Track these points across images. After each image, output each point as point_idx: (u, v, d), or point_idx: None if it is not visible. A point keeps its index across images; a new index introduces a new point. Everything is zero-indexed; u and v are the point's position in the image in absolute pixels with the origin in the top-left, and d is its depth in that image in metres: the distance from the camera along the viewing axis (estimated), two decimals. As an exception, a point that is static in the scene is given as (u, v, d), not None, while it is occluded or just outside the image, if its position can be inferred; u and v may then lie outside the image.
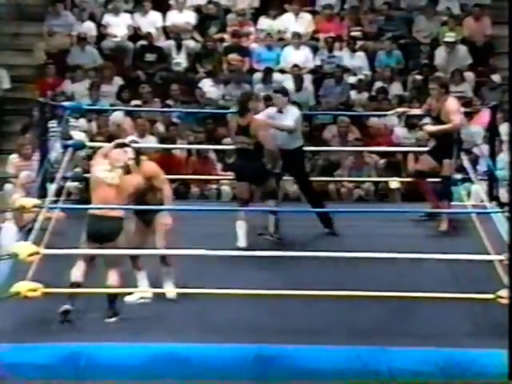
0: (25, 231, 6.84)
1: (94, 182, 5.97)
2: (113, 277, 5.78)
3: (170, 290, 5.97)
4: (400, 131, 10.02)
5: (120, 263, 5.87)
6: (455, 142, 7.10)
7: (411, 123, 9.90)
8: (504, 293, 5.53)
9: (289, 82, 10.76)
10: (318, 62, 11.16)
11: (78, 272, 5.77)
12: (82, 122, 9.76)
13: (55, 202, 7.11)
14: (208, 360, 5.31)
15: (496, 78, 10.81)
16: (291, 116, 6.96)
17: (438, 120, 7.13)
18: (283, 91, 7.17)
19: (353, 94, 10.71)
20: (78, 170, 8.56)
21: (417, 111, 7.62)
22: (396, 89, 10.78)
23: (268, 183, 6.80)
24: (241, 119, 6.77)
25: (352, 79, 10.87)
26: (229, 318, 5.73)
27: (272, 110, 7.09)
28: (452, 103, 7.03)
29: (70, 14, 11.46)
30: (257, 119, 6.82)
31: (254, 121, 6.75)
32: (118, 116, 9.95)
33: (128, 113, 9.96)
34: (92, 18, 11.51)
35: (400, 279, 6.10)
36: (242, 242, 6.58)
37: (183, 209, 6.97)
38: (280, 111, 6.98)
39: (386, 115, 9.99)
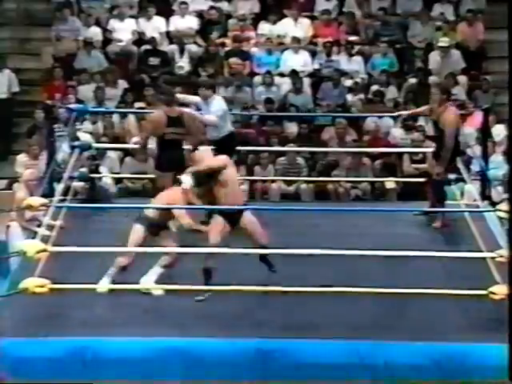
0: (31, 229, 6.84)
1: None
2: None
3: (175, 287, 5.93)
4: (397, 132, 10.01)
5: None
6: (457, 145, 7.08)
7: (408, 125, 9.90)
8: (496, 289, 5.53)
9: (287, 86, 10.78)
10: (317, 66, 11.18)
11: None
12: (87, 123, 9.76)
13: (62, 201, 7.10)
14: (211, 354, 5.30)
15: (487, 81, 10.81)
16: (216, 106, 6.97)
17: (436, 125, 7.12)
18: (206, 84, 7.15)
19: (349, 96, 10.72)
20: (84, 170, 8.58)
21: (421, 109, 7.53)
22: (392, 92, 10.78)
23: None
24: (169, 109, 6.72)
25: (349, 82, 10.88)
26: (230, 313, 5.72)
27: (198, 98, 7.09)
28: (450, 115, 6.95)
29: (77, 19, 11.47)
30: (187, 112, 6.84)
31: (186, 112, 6.78)
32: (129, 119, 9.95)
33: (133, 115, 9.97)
34: (98, 23, 11.51)
35: (396, 276, 6.09)
36: None
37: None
38: (205, 99, 7.00)
39: (381, 117, 10.05)
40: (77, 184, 7.72)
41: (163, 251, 6.01)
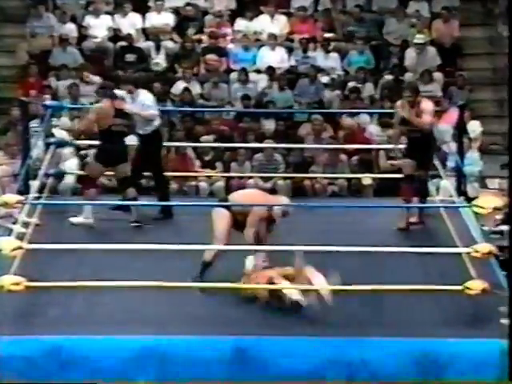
0: (6, 226, 6.77)
1: None
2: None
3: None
4: (373, 129, 10.03)
5: None
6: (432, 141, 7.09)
7: (384, 122, 9.92)
8: (471, 284, 5.56)
9: (264, 82, 10.76)
10: (293, 63, 11.16)
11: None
12: (65, 120, 9.68)
13: (38, 198, 7.04)
14: (188, 352, 5.28)
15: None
16: (146, 100, 7.15)
17: (407, 124, 7.06)
18: (129, 79, 7.41)
19: (326, 93, 10.72)
20: (60, 167, 8.53)
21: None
22: (368, 89, 10.80)
23: (124, 167, 6.94)
24: (112, 103, 6.92)
25: (325, 79, 10.88)
26: (207, 311, 5.70)
27: (122, 92, 7.21)
28: (426, 104, 6.99)
29: (52, 15, 11.37)
30: (128, 105, 7.03)
31: (127, 106, 6.98)
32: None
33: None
34: (73, 19, 11.42)
35: (371, 272, 6.10)
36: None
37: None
38: (130, 93, 7.14)
39: (358, 113, 10.05)
40: (53, 181, 7.66)
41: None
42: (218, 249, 5.89)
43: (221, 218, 5.95)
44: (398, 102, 7.11)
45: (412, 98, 6.93)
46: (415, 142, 7.01)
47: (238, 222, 5.99)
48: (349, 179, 9.36)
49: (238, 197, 6.16)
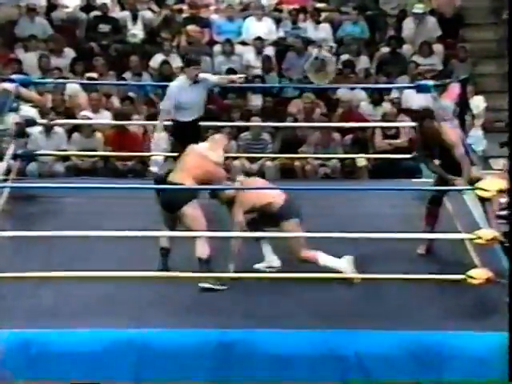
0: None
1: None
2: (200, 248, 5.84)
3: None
4: (366, 107, 10.02)
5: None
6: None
7: (376, 98, 9.90)
8: (474, 273, 5.56)
9: (251, 55, 10.72)
10: (282, 34, 11.12)
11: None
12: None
13: (4, 181, 7.00)
14: (167, 346, 5.27)
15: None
16: None
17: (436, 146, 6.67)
18: None
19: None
20: (28, 147, 8.48)
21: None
22: (363, 62, 10.78)
23: None
24: None
25: (315, 51, 10.83)
26: (189, 302, 5.70)
27: None
28: (449, 133, 6.50)
29: (18, -17, 11.29)
30: None
31: None
32: (72, 89, 9.85)
33: (82, 86, 9.86)
34: (42, -13, 11.35)
35: (367, 260, 6.11)
36: None
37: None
38: None
39: (352, 89, 10.03)
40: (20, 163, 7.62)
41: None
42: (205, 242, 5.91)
43: (194, 208, 5.96)
44: None
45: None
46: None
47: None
48: (342, 160, 9.34)
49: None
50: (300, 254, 6.01)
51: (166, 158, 8.27)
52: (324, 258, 6.02)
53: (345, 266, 5.98)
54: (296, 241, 6.01)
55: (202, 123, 7.21)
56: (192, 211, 5.93)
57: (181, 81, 7.00)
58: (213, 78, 7.19)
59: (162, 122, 7.05)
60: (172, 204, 5.98)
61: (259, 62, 10.69)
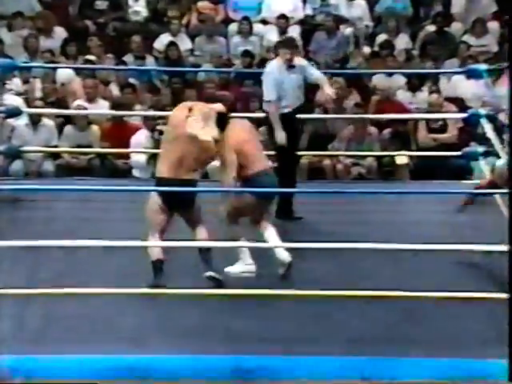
0: None
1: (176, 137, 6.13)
2: (201, 233, 6.13)
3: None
4: (403, 94, 10.01)
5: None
6: None
7: (414, 83, 9.88)
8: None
9: (272, 35, 10.74)
10: (309, 11, 11.15)
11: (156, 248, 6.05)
12: (17, 82, 9.70)
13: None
14: (175, 374, 5.28)
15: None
16: None
17: None
18: None
19: (350, 49, 10.70)
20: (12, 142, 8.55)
21: None
22: (403, 42, 10.77)
23: None
24: None
25: (349, 31, 10.87)
26: (200, 323, 5.72)
27: None
28: None
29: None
30: None
31: None
32: (65, 74, 9.91)
33: (76, 72, 9.93)
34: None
35: (407, 274, 6.12)
36: None
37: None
38: None
39: (391, 74, 10.03)
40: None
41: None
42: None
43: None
44: None
45: None
46: None
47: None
48: (379, 158, 9.34)
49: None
50: (232, 221, 6.22)
51: (149, 158, 8.38)
52: (271, 237, 6.20)
53: (249, 268, 6.20)
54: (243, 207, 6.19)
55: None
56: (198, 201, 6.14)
57: (275, 65, 7.24)
58: (313, 71, 7.40)
59: (277, 117, 7.17)
60: (186, 201, 6.11)
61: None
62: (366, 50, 10.62)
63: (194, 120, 6.16)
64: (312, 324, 5.71)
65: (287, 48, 7.26)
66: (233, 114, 6.54)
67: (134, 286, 5.89)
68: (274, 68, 7.29)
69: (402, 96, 9.99)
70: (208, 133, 6.16)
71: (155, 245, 6.08)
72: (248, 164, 6.25)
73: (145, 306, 5.82)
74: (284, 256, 6.20)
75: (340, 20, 10.92)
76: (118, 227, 6.61)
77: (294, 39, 7.77)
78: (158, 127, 8.76)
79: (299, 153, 9.17)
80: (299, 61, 7.41)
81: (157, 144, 8.19)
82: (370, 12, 11.22)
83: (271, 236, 6.26)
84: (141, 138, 9.02)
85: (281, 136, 7.21)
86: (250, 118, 9.37)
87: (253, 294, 5.82)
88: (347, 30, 10.88)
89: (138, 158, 8.93)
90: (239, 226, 6.31)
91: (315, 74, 7.43)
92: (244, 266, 6.27)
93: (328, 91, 7.44)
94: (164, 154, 6.23)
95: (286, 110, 7.25)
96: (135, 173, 8.99)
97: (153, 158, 8.43)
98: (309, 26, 11.03)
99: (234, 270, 6.27)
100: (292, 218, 7.23)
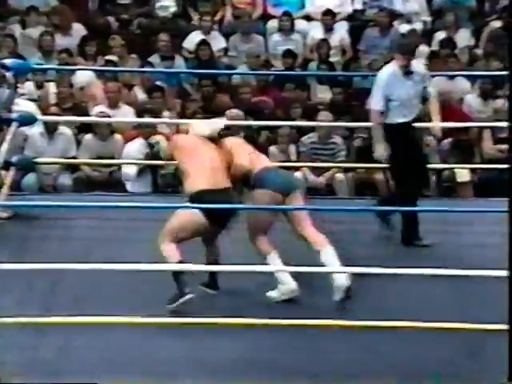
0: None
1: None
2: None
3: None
4: (473, 100, 10.00)
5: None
6: None
7: (486, 90, 9.87)
8: None
9: (316, 32, 10.78)
10: (358, 6, 11.19)
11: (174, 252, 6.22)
12: (30, 86, 9.80)
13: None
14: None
15: None
16: None
17: None
18: None
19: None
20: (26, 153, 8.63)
21: None
22: (465, 40, 10.77)
23: None
24: None
25: (405, 28, 10.89)
26: (234, 354, 5.76)
27: None
28: None
29: None
30: None
31: None
32: (83, 77, 10.00)
33: (96, 74, 10.00)
34: None
35: (471, 304, 6.13)
36: None
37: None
38: None
39: (452, 77, 10.02)
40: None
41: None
42: None
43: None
44: None
45: None
46: None
47: None
48: (438, 172, 9.33)
49: None
50: (255, 237, 6.34)
51: (141, 170, 8.44)
52: (274, 261, 6.28)
53: (288, 288, 6.24)
54: (259, 220, 6.34)
55: (250, 122, 7.31)
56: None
57: (389, 70, 7.28)
58: (428, 86, 7.42)
59: (379, 128, 7.27)
60: (233, 214, 6.32)
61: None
62: (423, 48, 10.62)
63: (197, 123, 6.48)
64: (358, 357, 5.74)
65: (403, 53, 7.26)
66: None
67: (160, 313, 5.95)
68: (386, 74, 7.28)
69: (472, 102, 9.96)
70: (213, 124, 6.51)
71: (171, 250, 6.18)
72: None
73: (174, 336, 5.85)
74: (341, 280, 6.24)
75: (394, 15, 10.95)
76: (142, 248, 6.65)
77: (411, 43, 7.71)
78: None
79: (347, 165, 9.23)
80: (419, 67, 7.42)
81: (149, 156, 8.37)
82: (428, 5, 11.25)
83: (329, 257, 6.33)
84: (133, 147, 9.08)
85: (379, 149, 7.26)
86: (290, 127, 9.51)
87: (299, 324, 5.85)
88: (402, 27, 10.91)
89: (129, 171, 9.00)
90: (264, 242, 6.38)
91: (429, 91, 7.43)
92: (282, 286, 6.34)
93: (436, 126, 7.48)
94: (191, 169, 6.36)
95: (399, 120, 7.26)
96: (128, 186, 9.06)
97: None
98: (358, 23, 11.06)
99: (273, 294, 6.34)
100: (418, 243, 7.22)
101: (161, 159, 7.04)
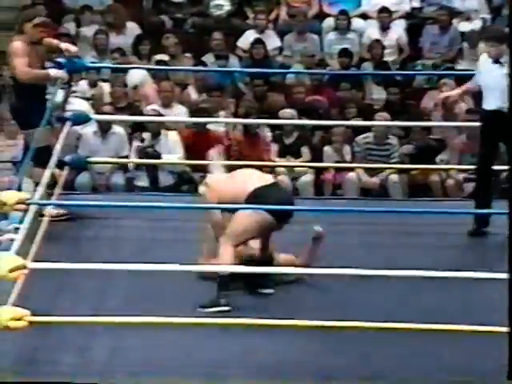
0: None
1: None
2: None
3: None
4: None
5: None
6: None
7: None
8: None
9: (373, 31, 10.78)
10: (417, 3, 11.17)
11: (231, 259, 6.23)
12: (84, 85, 9.90)
13: (48, 195, 7.22)
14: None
15: None
16: None
17: None
18: None
19: (465, 47, 10.68)
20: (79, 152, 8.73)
21: None
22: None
23: None
24: None
25: (464, 26, 10.85)
26: (280, 355, 5.78)
27: None
28: None
29: None
30: None
31: None
32: (137, 76, 10.09)
33: (150, 73, 10.08)
34: None
35: None
36: None
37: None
38: None
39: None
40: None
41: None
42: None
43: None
44: None
45: None
46: None
47: None
48: (497, 172, 9.28)
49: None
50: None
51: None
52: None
53: None
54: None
55: (304, 122, 7.30)
56: None
57: (482, 59, 7.41)
58: None
59: None
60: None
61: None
62: (482, 46, 10.58)
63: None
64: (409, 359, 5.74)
65: (492, 41, 7.27)
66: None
67: (211, 314, 6.01)
68: (479, 63, 7.42)
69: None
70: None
71: (229, 254, 6.20)
72: None
73: (225, 336, 5.86)
74: None
75: (453, 13, 10.92)
76: (194, 249, 6.69)
77: (501, 30, 7.68)
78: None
79: (402, 166, 9.21)
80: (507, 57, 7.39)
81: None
82: (487, 2, 11.21)
83: None
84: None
85: None
86: (346, 127, 9.51)
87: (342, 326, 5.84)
88: (461, 25, 10.87)
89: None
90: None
91: None
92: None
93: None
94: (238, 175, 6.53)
95: (486, 107, 7.30)
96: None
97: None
98: (416, 21, 11.05)
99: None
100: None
101: None
